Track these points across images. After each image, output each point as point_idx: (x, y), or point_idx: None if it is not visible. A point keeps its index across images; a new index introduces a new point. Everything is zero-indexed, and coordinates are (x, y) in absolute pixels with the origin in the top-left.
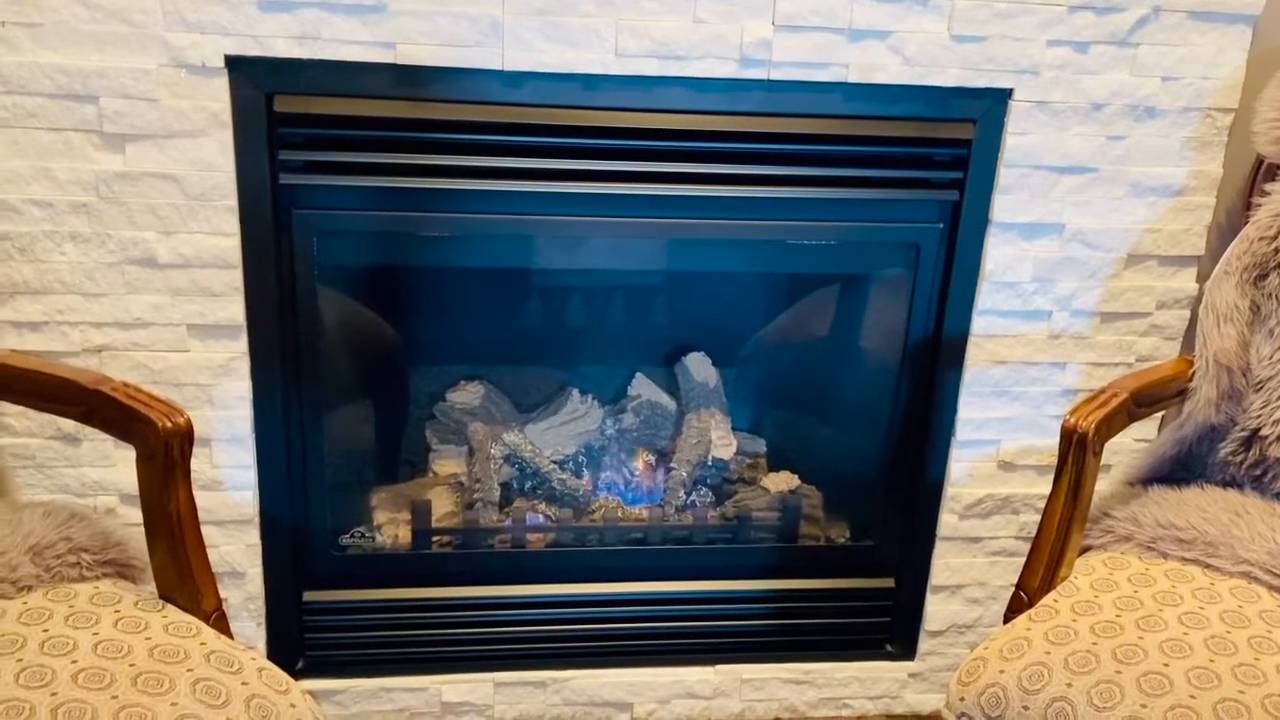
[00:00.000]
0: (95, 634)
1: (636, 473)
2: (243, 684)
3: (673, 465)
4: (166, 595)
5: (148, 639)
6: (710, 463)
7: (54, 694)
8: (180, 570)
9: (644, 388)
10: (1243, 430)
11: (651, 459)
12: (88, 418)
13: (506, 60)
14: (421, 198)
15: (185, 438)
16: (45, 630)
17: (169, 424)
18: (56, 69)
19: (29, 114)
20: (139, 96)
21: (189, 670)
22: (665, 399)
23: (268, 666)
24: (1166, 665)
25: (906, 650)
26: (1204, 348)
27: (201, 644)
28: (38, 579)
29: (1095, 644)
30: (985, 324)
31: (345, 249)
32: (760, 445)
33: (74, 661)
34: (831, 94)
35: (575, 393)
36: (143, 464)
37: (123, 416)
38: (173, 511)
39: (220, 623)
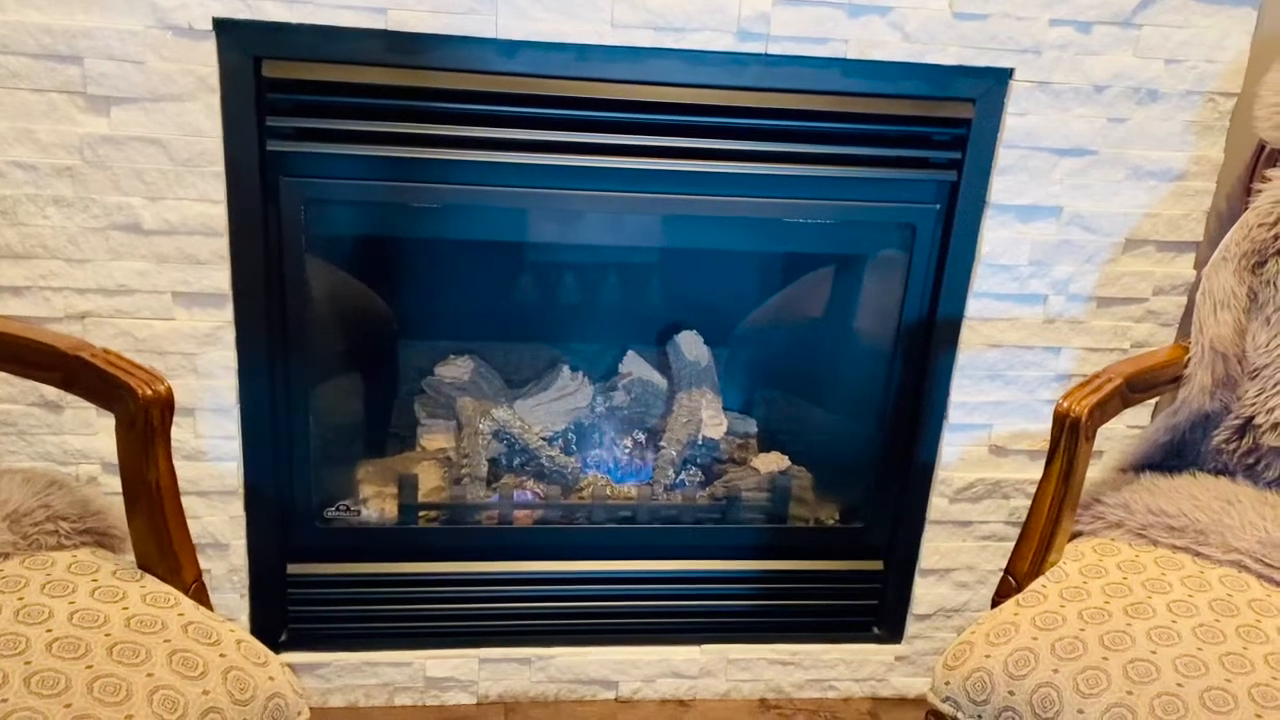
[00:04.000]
0: (71, 603)
1: (626, 450)
2: (220, 656)
3: (662, 444)
4: (145, 565)
5: (125, 609)
6: (700, 442)
7: (28, 663)
8: (159, 540)
9: (635, 365)
10: (1236, 418)
11: (641, 437)
12: (68, 384)
13: (500, 28)
14: (412, 168)
15: (165, 406)
16: (20, 598)
17: (149, 391)
18: (40, 28)
19: (12, 74)
20: (124, 58)
21: (166, 641)
22: (656, 377)
23: (246, 639)
24: (1154, 653)
25: (893, 633)
26: (1200, 334)
27: (180, 615)
28: (14, 546)
29: (1083, 630)
30: (980, 307)
31: (334, 218)
32: (751, 425)
33: (49, 630)
34: (830, 70)
35: (566, 369)
36: (122, 432)
37: (102, 383)
38: (152, 480)
39: (200, 594)
